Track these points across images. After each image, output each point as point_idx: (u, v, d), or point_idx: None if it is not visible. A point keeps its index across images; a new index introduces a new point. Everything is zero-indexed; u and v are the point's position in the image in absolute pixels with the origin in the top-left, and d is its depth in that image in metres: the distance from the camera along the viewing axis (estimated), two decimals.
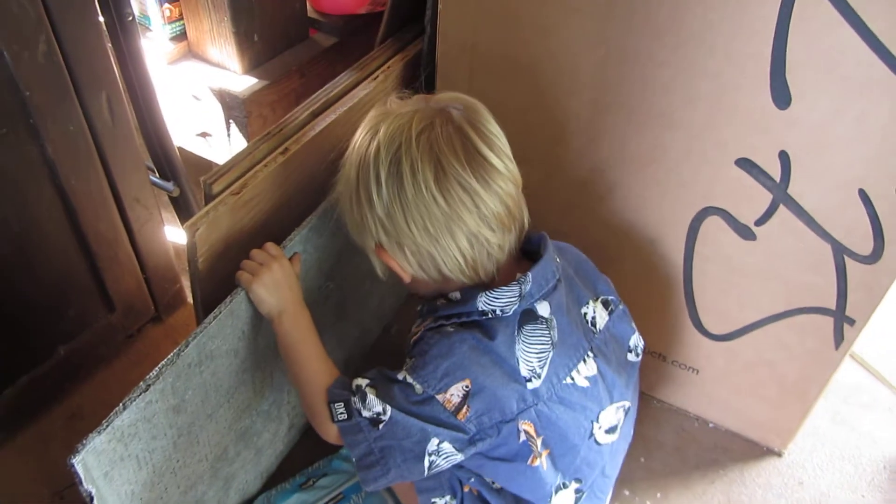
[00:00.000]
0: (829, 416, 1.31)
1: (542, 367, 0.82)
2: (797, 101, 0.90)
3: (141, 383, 0.76)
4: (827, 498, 1.19)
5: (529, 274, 0.82)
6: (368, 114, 0.85)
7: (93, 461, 0.72)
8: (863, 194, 0.92)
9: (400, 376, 0.81)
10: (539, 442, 0.83)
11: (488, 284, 0.83)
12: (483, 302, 0.81)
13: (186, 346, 0.80)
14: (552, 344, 0.83)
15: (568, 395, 0.84)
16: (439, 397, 0.79)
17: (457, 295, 0.84)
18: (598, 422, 0.88)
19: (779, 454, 1.25)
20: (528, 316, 0.82)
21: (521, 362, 0.81)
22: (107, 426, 0.72)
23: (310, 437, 1.21)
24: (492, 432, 0.81)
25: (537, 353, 0.82)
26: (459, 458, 0.81)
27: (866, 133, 0.88)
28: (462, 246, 0.80)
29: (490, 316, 0.81)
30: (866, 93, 0.85)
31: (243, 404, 0.97)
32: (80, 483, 0.72)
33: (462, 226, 0.79)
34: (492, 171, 0.79)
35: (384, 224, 0.81)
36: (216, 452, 0.96)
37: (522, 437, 0.82)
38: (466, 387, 0.79)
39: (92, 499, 0.75)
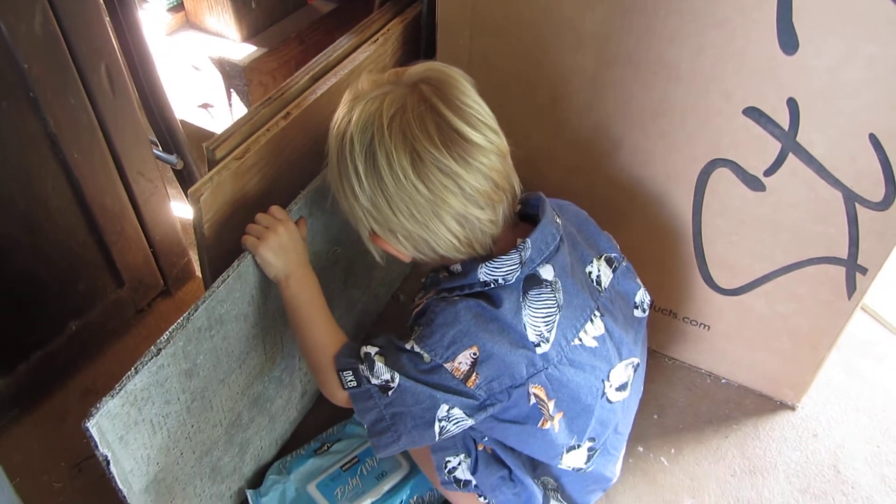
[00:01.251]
0: (843, 368, 1.31)
1: (549, 331, 0.81)
2: (805, 47, 0.88)
3: (152, 347, 0.76)
4: (842, 449, 1.19)
5: (528, 240, 0.80)
6: (343, 96, 0.82)
7: (107, 425, 0.73)
8: (873, 139, 0.91)
9: (408, 346, 0.81)
10: (551, 405, 0.83)
11: (487, 256, 0.82)
12: (484, 273, 0.80)
13: (196, 310, 0.80)
14: (558, 307, 0.82)
15: (577, 356, 0.84)
16: (447, 366, 0.79)
17: (458, 267, 0.83)
18: (608, 380, 0.88)
19: (792, 408, 1.25)
20: (531, 281, 0.81)
21: (528, 328, 0.80)
22: (120, 390, 0.73)
23: (323, 404, 1.22)
24: (502, 397, 0.81)
25: (544, 318, 0.81)
26: (470, 423, 0.82)
27: (877, 76, 0.86)
28: (452, 227, 0.79)
29: (493, 285, 0.80)
30: (876, 35, 0.84)
31: (255, 370, 0.97)
32: (96, 447, 0.73)
33: (448, 209, 0.77)
34: (470, 148, 0.77)
35: (372, 214, 0.80)
36: (230, 418, 0.96)
37: (532, 400, 0.82)
38: (474, 354, 0.78)
39: (108, 463, 0.75)
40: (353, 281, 1.17)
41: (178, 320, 0.78)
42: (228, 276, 0.84)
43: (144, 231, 1.26)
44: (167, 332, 0.77)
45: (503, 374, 0.80)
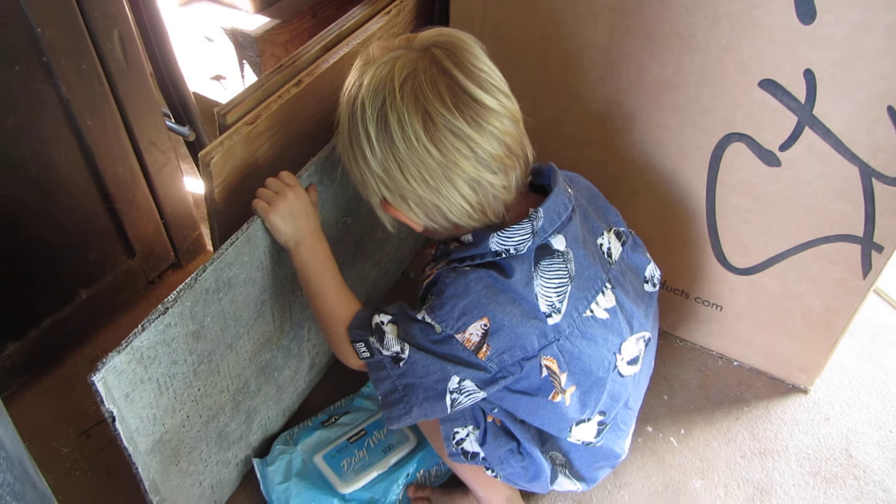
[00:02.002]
0: (856, 353, 1.29)
1: (561, 302, 0.80)
2: (822, 15, 0.87)
3: (159, 306, 0.76)
4: (854, 433, 1.17)
5: (540, 209, 0.79)
6: (354, 63, 0.82)
7: (113, 380, 0.73)
8: (892, 111, 0.89)
9: (419, 316, 0.80)
10: (563, 378, 0.82)
11: (500, 225, 0.81)
12: (495, 242, 0.79)
13: (204, 272, 0.80)
14: (570, 277, 0.81)
15: (589, 328, 0.83)
16: (458, 336, 0.78)
17: (469, 237, 0.82)
18: (620, 354, 0.87)
19: (805, 391, 1.23)
20: (543, 251, 0.81)
21: (539, 298, 0.79)
22: (126, 346, 0.73)
23: (331, 377, 1.22)
24: (514, 370, 0.80)
25: (556, 288, 0.80)
26: (482, 395, 0.81)
27: (895, 46, 0.85)
28: (465, 192, 0.78)
29: (504, 255, 0.80)
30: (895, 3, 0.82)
31: (263, 337, 0.97)
32: (102, 402, 0.73)
33: (461, 173, 0.76)
34: (483, 112, 0.76)
35: (384, 180, 0.80)
36: (237, 384, 0.96)
37: (544, 372, 0.81)
38: (485, 325, 0.78)
39: (114, 419, 0.75)
40: (362, 254, 1.16)
41: (187, 280, 0.78)
42: (237, 239, 0.84)
43: (156, 202, 1.26)
44: (174, 292, 0.77)
45: (514, 346, 0.79)
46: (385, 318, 0.83)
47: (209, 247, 1.40)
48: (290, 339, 1.04)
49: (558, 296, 0.80)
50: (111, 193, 1.16)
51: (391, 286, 1.37)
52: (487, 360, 0.79)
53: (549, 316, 0.80)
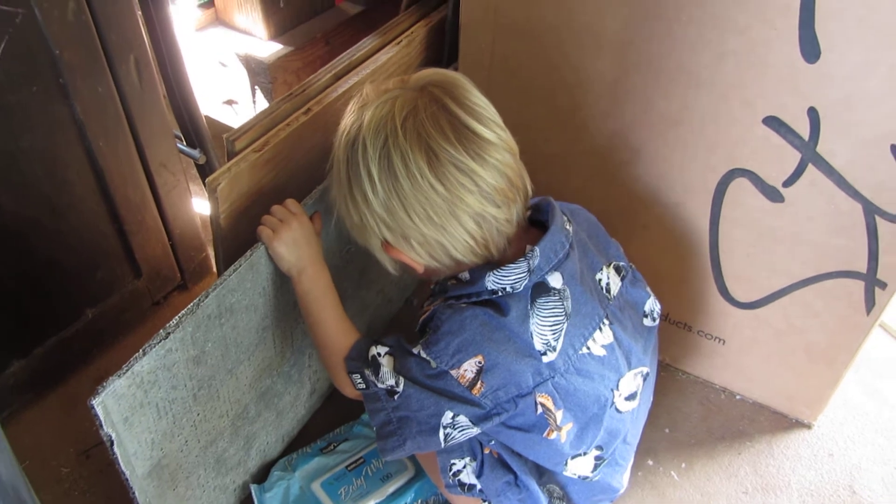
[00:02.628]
0: (861, 388, 1.28)
1: (556, 340, 0.80)
2: (827, 54, 0.88)
3: (161, 331, 0.77)
4: (858, 470, 1.16)
5: (537, 248, 0.80)
6: (347, 107, 0.82)
7: (113, 405, 0.73)
8: (895, 150, 0.90)
9: (415, 350, 0.81)
10: (559, 415, 0.82)
11: (498, 261, 0.81)
12: (492, 281, 0.79)
13: (206, 297, 0.81)
14: (566, 315, 0.81)
15: (585, 365, 0.83)
16: (453, 372, 0.78)
17: (466, 275, 0.83)
18: (618, 390, 0.87)
19: (808, 426, 1.22)
20: (540, 289, 0.81)
21: (535, 336, 0.79)
22: (127, 370, 0.73)
23: (332, 403, 1.22)
24: (509, 406, 0.80)
25: (551, 326, 0.80)
26: (475, 431, 0.81)
27: None
28: (470, 228, 0.78)
29: (501, 293, 0.80)
30: None
31: (264, 363, 0.98)
32: (101, 426, 0.73)
33: (466, 208, 0.76)
34: (485, 145, 0.76)
35: (385, 220, 0.79)
36: (236, 410, 0.96)
37: (539, 409, 0.81)
38: (479, 362, 0.78)
39: (112, 443, 0.76)
40: (366, 282, 1.17)
41: (189, 306, 0.79)
42: (240, 266, 0.85)
43: (165, 223, 1.27)
44: (177, 317, 0.78)
45: (509, 384, 0.79)
46: (382, 349, 0.83)
47: (215, 269, 1.41)
48: (290, 366, 1.05)
49: (554, 334, 0.80)
50: (121, 214, 1.18)
51: (394, 313, 1.37)
52: (482, 397, 0.79)
53: (544, 354, 0.80)
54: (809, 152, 0.95)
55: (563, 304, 0.81)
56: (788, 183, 0.99)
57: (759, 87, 0.94)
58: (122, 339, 1.30)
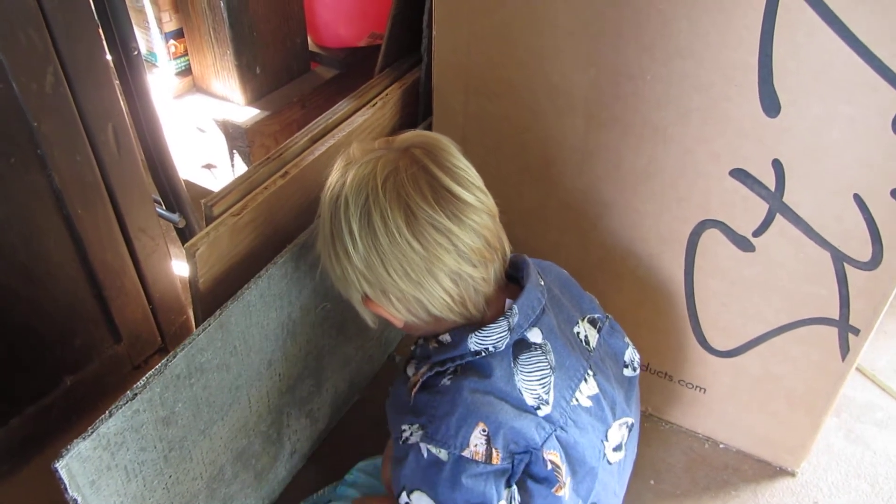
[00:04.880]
0: (843, 434, 1.29)
1: (547, 393, 0.81)
2: (787, 109, 0.91)
3: (128, 392, 0.76)
4: None
5: (515, 306, 0.81)
6: (334, 164, 0.85)
7: (78, 468, 0.72)
8: (858, 199, 0.92)
9: (423, 452, 0.79)
10: (564, 470, 0.81)
11: (479, 320, 0.83)
12: (474, 343, 0.80)
13: (174, 357, 0.80)
14: (551, 368, 0.82)
15: (578, 417, 0.83)
16: (466, 453, 0.78)
17: (447, 338, 0.84)
18: (607, 440, 0.87)
19: (792, 474, 1.22)
20: (521, 345, 0.82)
21: (524, 392, 0.80)
22: (92, 432, 0.72)
23: (315, 464, 1.20)
24: (524, 456, 0.80)
25: (539, 380, 0.81)
26: (515, 490, 0.80)
27: (857, 137, 0.89)
28: (446, 285, 0.79)
29: (483, 354, 0.81)
30: (855, 97, 0.86)
31: (239, 423, 0.97)
32: (66, 490, 0.72)
33: (442, 266, 0.78)
34: (463, 207, 0.78)
35: (365, 275, 0.81)
36: (211, 471, 0.95)
37: (549, 466, 0.80)
38: (483, 430, 0.78)
39: None
40: (344, 339, 1.17)
41: (157, 366, 0.79)
42: (210, 325, 0.85)
43: (144, 288, 1.27)
44: (144, 378, 0.78)
45: (518, 438, 0.79)
46: (407, 497, 0.81)
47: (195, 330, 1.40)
48: (268, 425, 1.04)
49: (543, 387, 0.81)
50: (100, 280, 1.18)
51: (376, 371, 1.37)
52: (503, 461, 0.78)
53: (538, 408, 0.80)
54: (777, 203, 0.98)
55: (546, 358, 0.82)
56: (758, 233, 1.01)
57: (724, 140, 0.97)
58: (101, 404, 1.28)
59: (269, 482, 1.11)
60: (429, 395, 0.82)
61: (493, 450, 0.78)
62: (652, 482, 1.20)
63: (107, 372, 1.27)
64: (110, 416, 0.74)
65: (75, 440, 0.72)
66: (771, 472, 1.23)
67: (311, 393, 1.13)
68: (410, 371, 0.89)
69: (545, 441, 0.80)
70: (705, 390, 1.22)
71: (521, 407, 0.79)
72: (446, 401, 0.80)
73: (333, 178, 0.83)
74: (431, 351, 0.85)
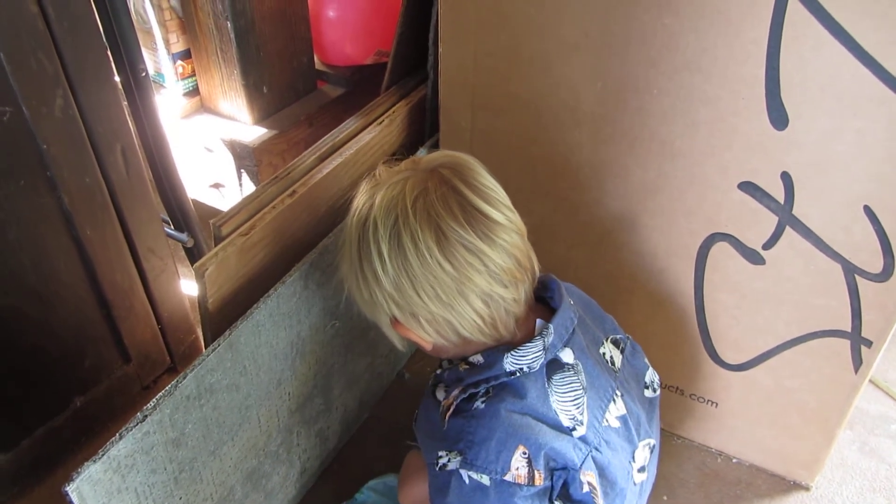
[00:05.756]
0: (857, 447, 1.27)
1: (581, 414, 0.80)
2: (795, 122, 0.91)
3: (138, 414, 0.76)
4: None
5: (551, 325, 0.81)
6: (360, 187, 0.84)
7: (88, 491, 0.72)
8: (868, 211, 0.92)
9: (465, 479, 0.78)
10: (600, 492, 0.81)
11: (510, 341, 0.82)
12: (510, 363, 0.79)
13: (184, 378, 0.80)
14: (583, 388, 0.81)
15: (610, 437, 0.83)
16: (508, 477, 0.77)
17: (479, 359, 0.83)
18: (634, 461, 0.87)
19: (806, 488, 1.21)
20: (554, 365, 0.81)
21: (559, 413, 0.79)
22: (102, 455, 0.72)
23: (325, 482, 1.20)
24: (563, 473, 0.79)
25: (573, 401, 0.80)
26: None
27: (866, 149, 0.88)
28: (477, 307, 0.78)
29: (518, 374, 0.80)
30: (863, 109, 0.86)
31: (249, 443, 0.96)
32: None
33: (474, 287, 0.77)
34: (494, 226, 0.77)
35: (395, 298, 0.80)
36: (221, 492, 0.95)
37: (585, 488, 0.80)
38: (524, 453, 0.77)
39: None
40: (353, 357, 1.17)
41: (167, 387, 0.79)
42: (219, 345, 0.85)
43: (153, 308, 1.27)
44: (154, 399, 0.78)
45: (557, 458, 0.78)
46: None
47: (204, 351, 1.40)
48: (277, 445, 1.04)
49: (577, 408, 0.80)
50: (109, 301, 1.18)
51: (386, 388, 1.36)
52: (545, 481, 0.78)
53: (574, 429, 0.79)
54: (786, 215, 0.97)
55: (578, 378, 0.82)
56: (768, 245, 1.01)
57: (731, 154, 0.97)
58: (111, 425, 1.28)
59: (279, 502, 1.10)
60: (463, 419, 0.81)
61: (536, 472, 0.77)
62: (665, 498, 1.19)
63: (116, 392, 1.27)
64: (121, 438, 0.74)
65: (86, 463, 0.71)
66: (785, 486, 1.22)
67: (321, 411, 1.13)
68: (441, 395, 0.87)
69: (583, 462, 0.79)
70: (717, 404, 1.21)
71: (558, 428, 0.79)
72: (483, 424, 0.78)
73: (360, 200, 0.82)
74: (463, 373, 0.84)
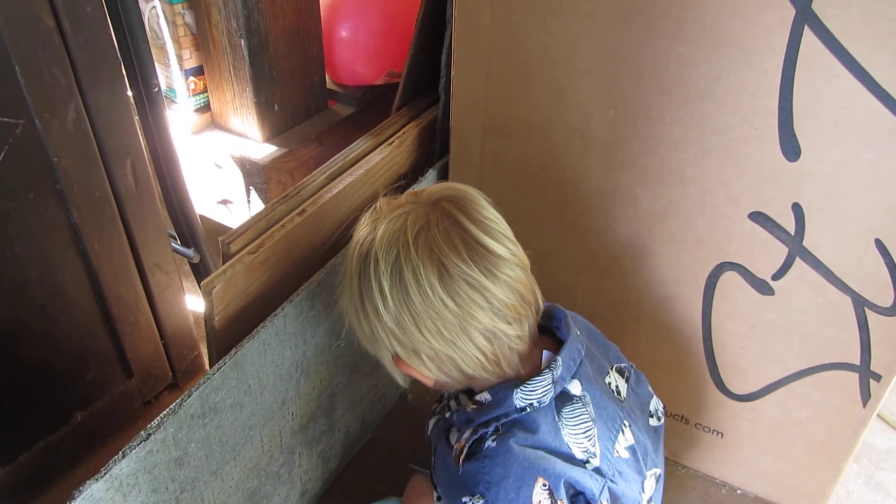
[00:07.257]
0: (863, 480, 1.26)
1: (593, 446, 0.79)
2: (807, 153, 0.91)
3: (141, 432, 0.75)
4: None
5: (559, 358, 0.80)
6: (360, 219, 0.83)
7: None
8: (879, 244, 0.91)
9: None
10: None
11: (515, 377, 0.81)
12: (520, 398, 0.78)
13: (189, 397, 0.80)
14: (592, 420, 0.81)
15: (621, 468, 0.81)
16: None
17: (486, 397, 0.82)
18: (644, 492, 0.86)
19: None
20: (563, 398, 0.80)
21: (572, 447, 0.78)
22: (105, 474, 0.72)
23: (326, 503, 1.19)
24: (581, 498, 0.78)
25: (584, 433, 0.79)
26: None
27: (879, 182, 0.88)
28: (480, 344, 0.77)
29: (528, 410, 0.79)
30: (876, 142, 0.86)
31: (251, 463, 0.96)
32: None
33: (476, 324, 0.76)
34: (496, 261, 0.76)
35: (396, 335, 0.79)
36: None
37: None
38: (544, 485, 0.76)
39: None
40: (358, 377, 1.16)
41: (171, 406, 0.78)
42: (225, 364, 0.84)
43: (157, 323, 1.27)
44: (158, 417, 0.77)
45: (576, 486, 0.77)
46: None
47: (207, 368, 1.40)
48: (279, 465, 1.03)
49: (589, 440, 0.79)
50: (114, 315, 1.17)
51: (389, 409, 1.35)
52: None
53: (587, 462, 0.78)
54: (796, 246, 0.97)
55: (587, 410, 0.81)
56: (777, 276, 1.01)
57: (742, 183, 0.97)
58: (111, 441, 1.27)
59: None
60: (477, 461, 0.79)
61: (559, 502, 0.76)
62: None
63: (117, 408, 1.26)
64: (123, 456, 0.73)
65: (88, 481, 0.71)
66: None
67: (323, 432, 1.12)
68: (453, 439, 0.86)
69: (601, 492, 0.78)
70: (723, 434, 1.20)
71: (572, 461, 0.78)
72: (498, 462, 0.77)
73: (361, 234, 0.81)
74: (472, 413, 0.83)
